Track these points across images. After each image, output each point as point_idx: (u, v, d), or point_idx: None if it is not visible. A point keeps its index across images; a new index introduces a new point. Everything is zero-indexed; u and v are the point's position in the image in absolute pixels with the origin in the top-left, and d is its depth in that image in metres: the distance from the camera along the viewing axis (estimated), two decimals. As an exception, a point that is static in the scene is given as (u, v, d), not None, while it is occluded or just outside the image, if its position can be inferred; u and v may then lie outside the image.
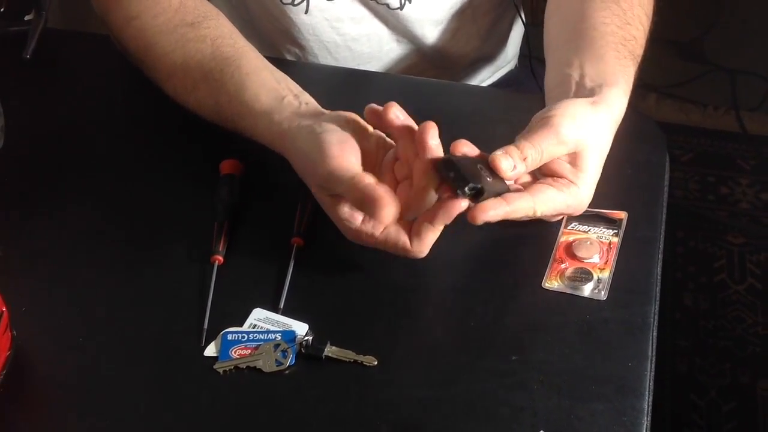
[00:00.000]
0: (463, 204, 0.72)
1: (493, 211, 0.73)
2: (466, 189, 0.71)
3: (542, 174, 0.79)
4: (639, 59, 0.91)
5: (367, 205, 0.72)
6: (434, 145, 0.74)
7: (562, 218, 0.82)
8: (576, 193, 0.78)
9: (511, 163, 0.74)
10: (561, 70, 0.88)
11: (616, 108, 0.83)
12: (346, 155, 0.75)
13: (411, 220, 0.75)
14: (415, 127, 0.76)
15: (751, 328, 1.80)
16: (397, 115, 0.76)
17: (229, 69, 0.87)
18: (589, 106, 0.80)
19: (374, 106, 0.78)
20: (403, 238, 0.75)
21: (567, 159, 0.79)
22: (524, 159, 0.75)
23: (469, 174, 0.72)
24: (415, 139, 0.75)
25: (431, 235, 0.75)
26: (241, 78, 0.86)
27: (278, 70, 0.88)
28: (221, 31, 0.92)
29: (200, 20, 0.92)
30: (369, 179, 0.73)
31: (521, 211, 0.75)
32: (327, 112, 0.82)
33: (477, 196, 0.72)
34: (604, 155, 0.81)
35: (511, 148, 0.75)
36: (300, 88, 0.86)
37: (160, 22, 0.93)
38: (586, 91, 0.83)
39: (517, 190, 0.77)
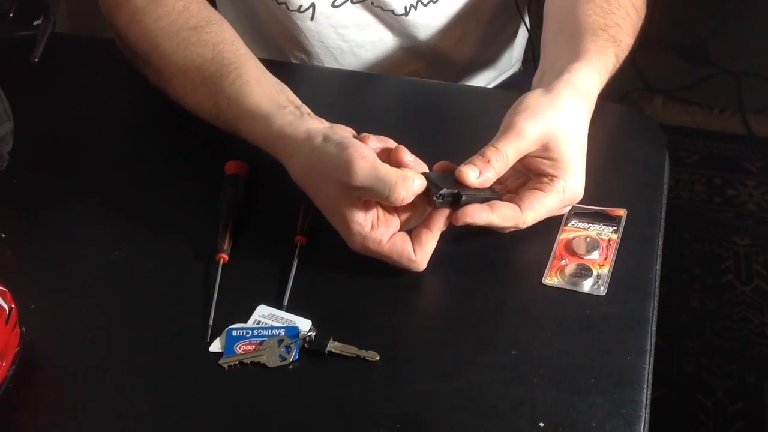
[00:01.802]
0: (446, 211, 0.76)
1: (473, 214, 0.76)
2: (439, 195, 0.75)
3: (528, 171, 0.81)
4: (624, 45, 0.91)
5: (410, 179, 0.74)
6: (411, 161, 0.78)
7: (563, 216, 0.83)
8: (563, 186, 0.79)
9: (476, 172, 0.76)
10: (542, 66, 0.90)
11: (581, 84, 0.82)
12: (374, 155, 0.76)
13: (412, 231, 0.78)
14: (391, 144, 0.79)
15: (757, 329, 1.80)
16: (375, 144, 0.79)
17: (230, 75, 0.88)
18: (543, 96, 0.80)
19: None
20: (409, 247, 0.77)
21: (540, 153, 0.79)
22: (488, 162, 0.77)
23: (442, 183, 0.76)
24: (392, 163, 0.78)
25: (431, 242, 0.77)
26: (242, 84, 0.87)
27: (279, 81, 0.89)
28: (223, 37, 0.92)
29: (203, 24, 0.93)
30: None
31: (508, 220, 0.78)
32: (328, 123, 0.83)
33: (456, 201, 0.76)
34: (581, 138, 0.81)
35: (476, 158, 0.77)
36: (300, 101, 0.87)
37: (162, 25, 0.94)
38: (553, 76, 0.84)
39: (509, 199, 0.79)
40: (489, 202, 0.77)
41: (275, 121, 0.83)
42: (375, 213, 0.77)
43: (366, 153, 0.75)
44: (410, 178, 0.74)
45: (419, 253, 0.77)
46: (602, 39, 0.88)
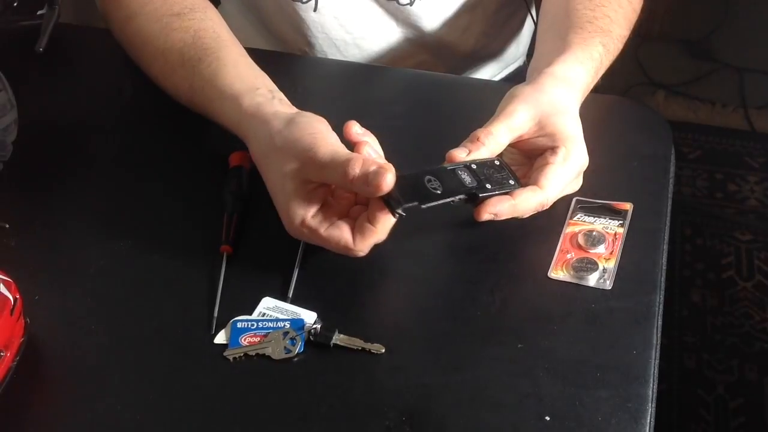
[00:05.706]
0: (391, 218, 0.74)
1: (494, 206, 0.76)
2: (399, 210, 0.72)
3: (530, 155, 0.82)
4: (614, 35, 0.93)
5: (372, 175, 0.71)
6: (360, 133, 0.77)
7: (568, 209, 0.83)
8: (568, 153, 0.79)
9: (465, 152, 0.78)
10: (532, 62, 0.92)
11: (562, 75, 0.85)
12: (338, 141, 0.77)
13: (354, 218, 0.76)
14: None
15: (758, 325, 1.81)
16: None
17: (207, 58, 0.89)
18: (528, 86, 0.83)
19: None
20: (346, 236, 0.75)
21: (537, 133, 0.81)
22: (477, 139, 0.78)
23: (410, 191, 0.73)
24: (344, 134, 0.78)
25: (374, 237, 0.75)
26: (219, 67, 0.88)
27: (258, 67, 0.89)
28: (205, 24, 0.93)
29: (186, 12, 0.94)
30: (366, 153, 0.76)
31: (532, 202, 0.78)
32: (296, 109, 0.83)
33: (472, 201, 0.76)
34: (573, 113, 0.82)
35: (465, 141, 0.79)
36: (276, 87, 0.87)
37: (147, 11, 0.95)
38: (539, 71, 0.86)
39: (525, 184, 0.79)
40: (509, 191, 0.77)
41: (243, 101, 0.84)
42: (321, 203, 0.76)
43: (331, 137, 0.77)
44: (373, 163, 0.72)
45: (359, 243, 0.75)
46: (587, 31, 0.90)
